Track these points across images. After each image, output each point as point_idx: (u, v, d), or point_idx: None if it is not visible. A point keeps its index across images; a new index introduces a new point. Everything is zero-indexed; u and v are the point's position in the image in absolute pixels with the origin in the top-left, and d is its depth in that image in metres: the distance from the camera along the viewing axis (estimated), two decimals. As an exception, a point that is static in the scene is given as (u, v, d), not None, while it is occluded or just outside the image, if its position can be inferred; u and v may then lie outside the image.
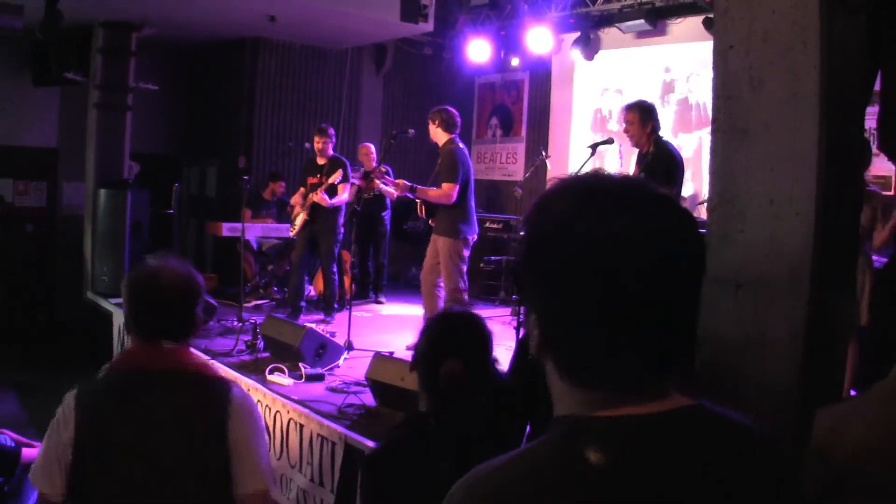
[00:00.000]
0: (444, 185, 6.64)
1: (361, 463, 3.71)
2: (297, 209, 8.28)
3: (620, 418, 0.99)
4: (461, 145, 6.89)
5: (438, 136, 6.89)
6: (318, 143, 8.23)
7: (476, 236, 6.91)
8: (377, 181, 8.39)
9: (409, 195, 7.06)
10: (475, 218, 6.92)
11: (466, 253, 6.78)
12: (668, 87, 9.79)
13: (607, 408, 1.00)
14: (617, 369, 1.00)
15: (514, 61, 11.11)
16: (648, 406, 1.00)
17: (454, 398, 2.34)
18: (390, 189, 7.17)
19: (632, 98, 6.83)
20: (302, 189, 8.34)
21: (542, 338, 1.04)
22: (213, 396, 2.36)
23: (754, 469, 1.03)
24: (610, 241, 0.96)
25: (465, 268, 6.79)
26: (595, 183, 1.05)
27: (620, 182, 1.05)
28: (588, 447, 0.96)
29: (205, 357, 2.48)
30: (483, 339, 2.47)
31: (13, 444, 4.45)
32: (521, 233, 1.10)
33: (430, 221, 6.95)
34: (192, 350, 2.50)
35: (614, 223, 0.97)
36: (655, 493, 0.95)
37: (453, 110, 6.92)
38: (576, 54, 10.52)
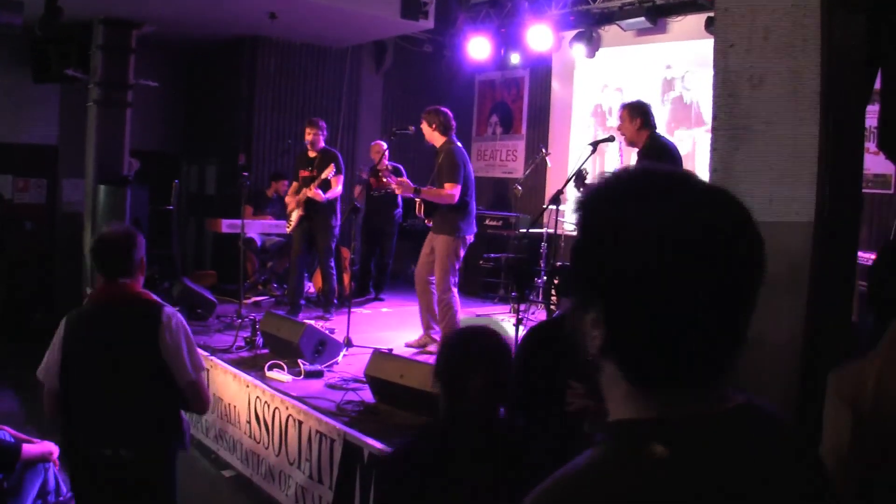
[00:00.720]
0: (447, 186, 6.62)
1: (377, 467, 3.75)
2: (292, 205, 8.26)
3: (687, 418, 1.00)
4: (459, 144, 6.87)
5: (435, 137, 6.86)
6: (308, 135, 8.20)
7: (474, 236, 6.90)
8: (383, 178, 8.39)
9: (411, 195, 7.04)
10: (474, 218, 6.91)
11: (462, 252, 6.78)
12: (669, 85, 9.78)
13: (672, 408, 1.01)
14: (683, 369, 1.01)
15: (514, 58, 11.09)
16: (710, 405, 1.02)
17: (482, 411, 2.42)
18: (393, 186, 7.15)
19: (632, 96, 6.83)
20: (295, 183, 8.33)
21: (606, 339, 1.03)
22: (150, 314, 3.39)
23: (800, 460, 1.07)
24: (684, 241, 0.97)
25: (458, 266, 6.78)
26: (659, 181, 1.05)
27: (686, 180, 1.05)
28: (655, 444, 0.97)
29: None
30: (507, 356, 2.52)
31: (13, 440, 4.45)
32: (575, 228, 1.09)
33: (426, 221, 6.94)
34: (139, 284, 3.50)
35: (689, 223, 0.98)
36: (721, 490, 0.97)
37: (448, 111, 6.89)
38: (576, 52, 10.50)
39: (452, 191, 6.59)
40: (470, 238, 6.82)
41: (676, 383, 1.01)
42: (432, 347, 6.77)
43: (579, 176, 5.70)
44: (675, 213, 0.98)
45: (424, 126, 6.88)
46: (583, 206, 1.08)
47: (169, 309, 3.44)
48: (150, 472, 3.45)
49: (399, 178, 7.22)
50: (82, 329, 3.43)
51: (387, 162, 9.04)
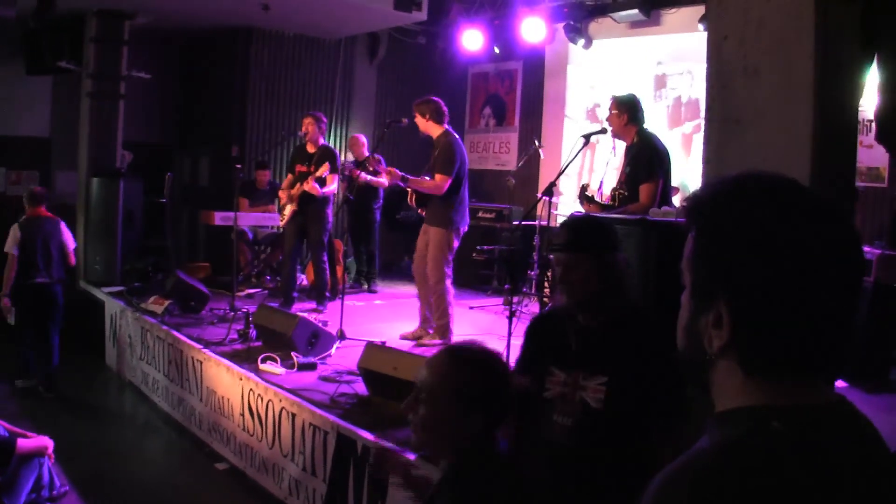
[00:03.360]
0: (438, 177, 6.61)
1: None
2: (285, 199, 8.24)
3: (800, 405, 1.07)
4: (456, 136, 6.85)
5: (431, 128, 6.84)
6: (305, 126, 8.19)
7: (466, 227, 6.90)
8: (361, 172, 8.38)
9: (400, 184, 7.04)
10: (467, 210, 6.90)
11: (456, 244, 6.77)
12: (661, 78, 9.78)
13: (784, 397, 1.08)
14: (806, 362, 1.08)
15: (497, 50, 10.99)
16: (816, 397, 1.09)
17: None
18: (381, 179, 7.14)
19: (624, 88, 6.78)
20: (290, 177, 8.31)
21: (730, 335, 1.09)
22: (56, 222, 7.65)
23: (886, 453, 1.12)
24: (813, 248, 1.05)
25: (451, 258, 6.78)
26: (788, 189, 1.11)
27: (801, 188, 1.11)
28: (774, 422, 1.04)
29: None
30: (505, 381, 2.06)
31: (7, 435, 4.44)
32: (695, 233, 1.14)
33: (419, 211, 6.94)
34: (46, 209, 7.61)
35: (819, 231, 1.06)
36: (834, 477, 1.03)
37: (439, 100, 6.87)
38: (570, 44, 10.50)
39: (442, 183, 6.58)
40: (463, 229, 6.82)
41: (796, 375, 1.09)
42: (428, 340, 6.79)
43: (583, 191, 5.66)
44: (808, 220, 1.06)
45: (418, 118, 6.85)
46: (703, 212, 1.13)
47: (62, 221, 7.68)
48: (55, 291, 7.54)
49: (388, 168, 7.20)
50: (29, 227, 7.35)
51: (366, 154, 9.03)
